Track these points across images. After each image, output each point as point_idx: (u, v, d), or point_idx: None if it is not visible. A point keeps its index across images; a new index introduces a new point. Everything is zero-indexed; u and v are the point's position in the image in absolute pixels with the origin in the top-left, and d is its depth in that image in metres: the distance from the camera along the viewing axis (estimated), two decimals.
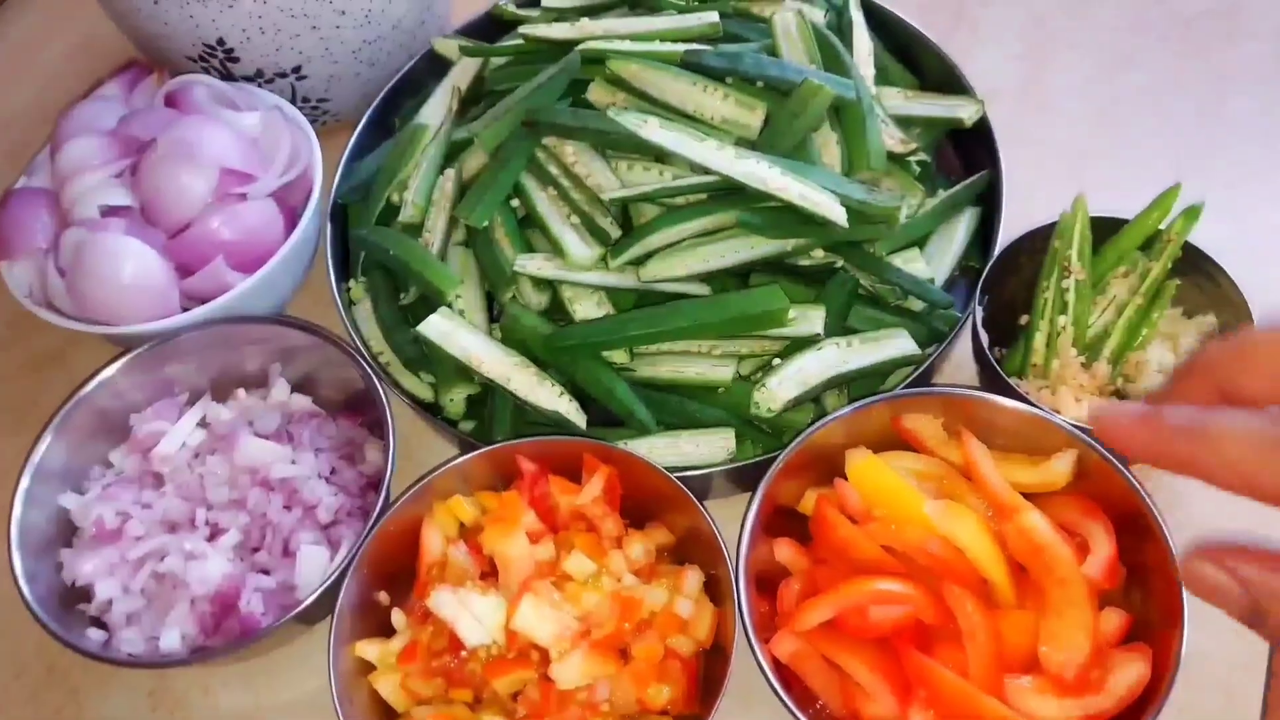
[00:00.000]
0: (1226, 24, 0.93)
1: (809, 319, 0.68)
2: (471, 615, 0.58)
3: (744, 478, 0.67)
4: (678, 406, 0.69)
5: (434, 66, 0.86)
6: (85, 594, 0.66)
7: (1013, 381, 0.65)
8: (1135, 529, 0.57)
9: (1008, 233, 0.71)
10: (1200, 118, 0.88)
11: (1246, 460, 0.34)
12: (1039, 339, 0.67)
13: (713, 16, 0.77)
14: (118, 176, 0.74)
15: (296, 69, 0.82)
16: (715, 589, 0.62)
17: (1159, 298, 0.67)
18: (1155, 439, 0.37)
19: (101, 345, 0.79)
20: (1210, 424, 0.35)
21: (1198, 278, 0.67)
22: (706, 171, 0.69)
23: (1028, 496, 0.59)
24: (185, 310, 0.72)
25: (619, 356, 0.69)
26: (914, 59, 0.84)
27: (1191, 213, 0.66)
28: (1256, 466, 0.34)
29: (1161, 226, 0.67)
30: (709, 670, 0.61)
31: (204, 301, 0.71)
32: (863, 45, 0.80)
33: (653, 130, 0.70)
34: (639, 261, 0.70)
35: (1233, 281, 0.65)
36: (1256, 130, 0.86)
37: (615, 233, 0.71)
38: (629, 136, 0.70)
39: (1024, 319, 0.71)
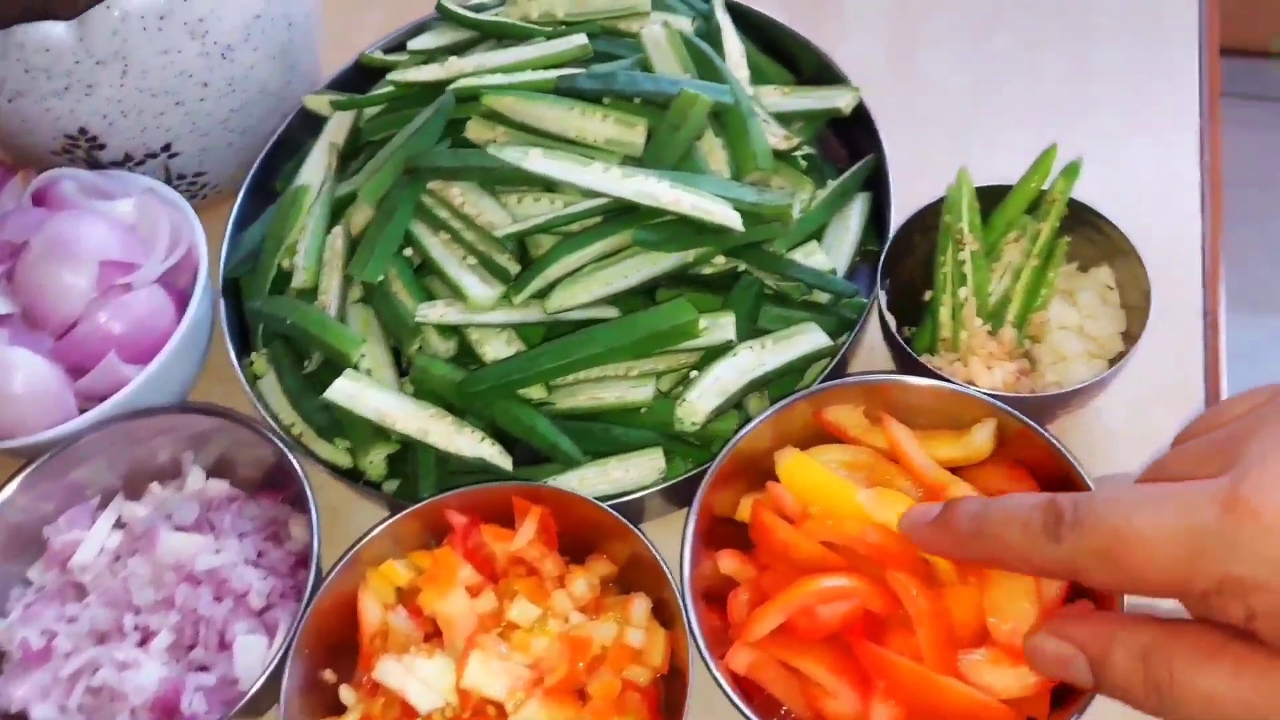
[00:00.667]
0: None
1: (720, 327, 0.68)
2: (420, 681, 0.56)
3: (679, 494, 0.67)
4: (603, 433, 0.69)
5: (308, 124, 0.84)
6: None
7: (924, 359, 0.66)
8: (1064, 488, 0.58)
9: (901, 213, 0.72)
10: (1069, 74, 0.90)
11: (1019, 547, 0.38)
12: (944, 313, 0.68)
13: (581, 39, 0.77)
14: None
15: (166, 147, 0.79)
16: (664, 612, 0.61)
17: (1052, 257, 0.69)
18: (952, 542, 0.42)
19: (2, 463, 0.76)
20: (985, 520, 0.40)
21: (1087, 232, 0.69)
22: (597, 195, 0.69)
23: (956, 471, 0.60)
24: (83, 412, 0.69)
25: (536, 392, 0.69)
26: (786, 55, 0.84)
27: (1071, 170, 0.68)
28: (1028, 553, 0.37)
29: (1045, 187, 0.69)
30: (669, 694, 0.60)
31: (101, 400, 0.69)
32: (734, 48, 0.80)
33: (536, 161, 0.69)
34: (542, 294, 0.69)
35: (1120, 232, 0.67)
36: (1124, 80, 0.89)
37: (514, 268, 0.70)
38: (513, 170, 0.70)
39: (927, 295, 0.72)
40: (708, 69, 0.76)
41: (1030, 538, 0.37)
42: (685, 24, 0.80)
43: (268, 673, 0.59)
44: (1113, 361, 0.66)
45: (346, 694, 0.60)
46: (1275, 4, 1.86)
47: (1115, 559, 0.34)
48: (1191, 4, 0.92)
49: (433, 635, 0.60)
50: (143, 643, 0.63)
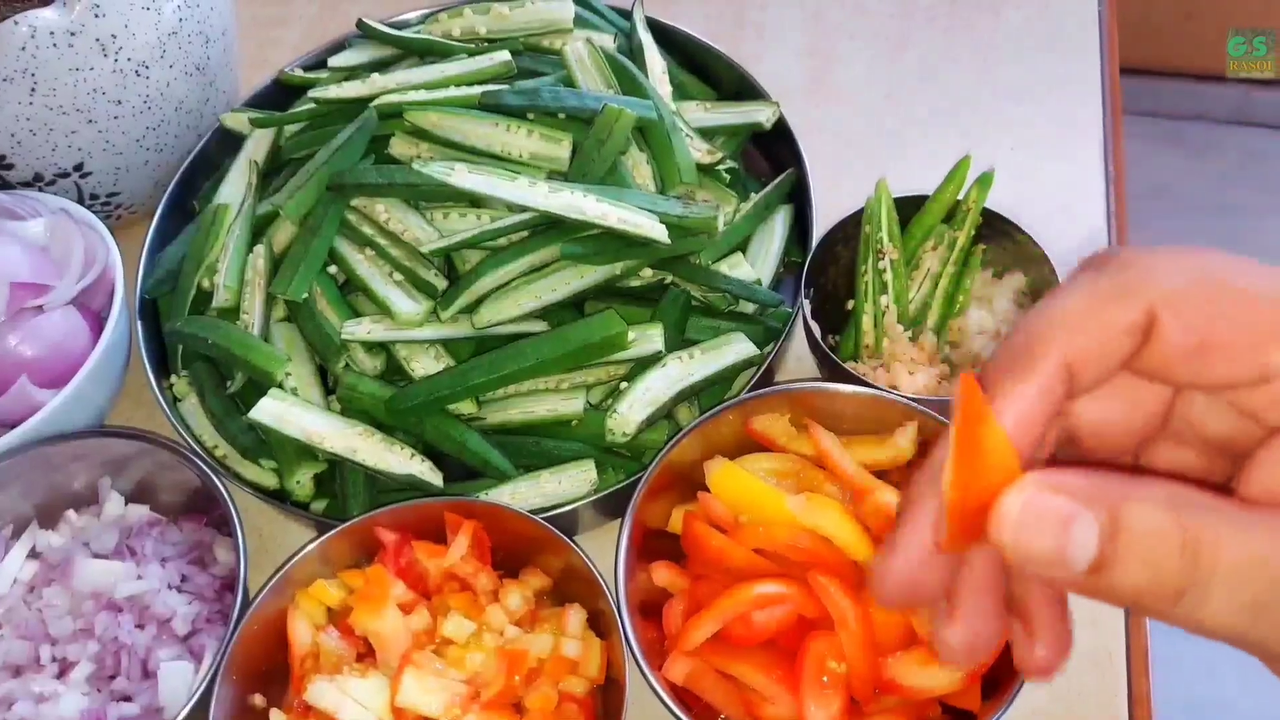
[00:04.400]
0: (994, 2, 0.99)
1: (649, 338, 0.68)
2: (353, 701, 0.56)
3: (612, 506, 0.67)
4: (534, 447, 0.69)
5: (227, 143, 0.83)
6: None
7: (848, 366, 0.67)
8: None
9: (822, 224, 0.73)
10: (979, 88, 0.93)
11: None
12: (866, 321, 0.70)
13: (504, 55, 0.77)
14: None
15: (79, 166, 0.77)
16: (600, 623, 0.61)
17: (968, 264, 0.71)
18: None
19: None
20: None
21: (1001, 240, 0.71)
22: (524, 209, 0.69)
23: (882, 475, 0.61)
24: None
25: (466, 407, 0.68)
26: (706, 71, 0.86)
27: (984, 180, 0.70)
28: None
29: (960, 197, 0.71)
30: (606, 704, 0.60)
31: (13, 426, 0.67)
32: (655, 65, 0.81)
33: (461, 176, 0.69)
34: (471, 309, 0.69)
35: (1031, 238, 0.69)
36: (1027, 93, 0.92)
37: (441, 284, 0.70)
38: (439, 186, 0.69)
39: (850, 304, 0.73)
40: (631, 85, 0.77)
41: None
42: (608, 41, 0.80)
43: (194, 700, 0.57)
44: None
45: (278, 718, 0.59)
46: (1170, 25, 1.95)
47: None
48: (1091, 23, 0.96)
49: (365, 655, 0.59)
50: (61, 674, 0.61)
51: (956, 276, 0.70)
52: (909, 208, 0.72)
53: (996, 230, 0.71)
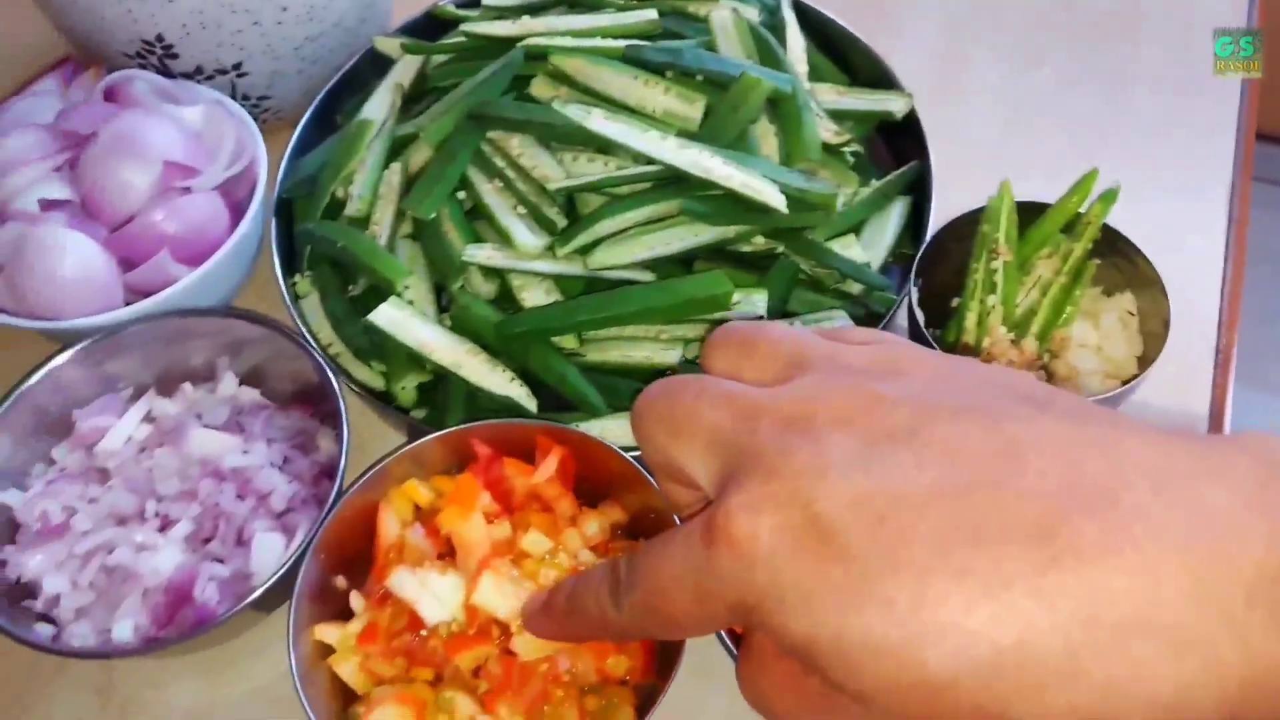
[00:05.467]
0: (1127, 24, 0.99)
1: (752, 302, 0.70)
2: (432, 594, 0.58)
3: None
4: (627, 389, 0.71)
5: (375, 65, 0.87)
6: (30, 591, 0.64)
7: None
8: None
9: (935, 222, 0.74)
10: (1106, 111, 0.93)
11: (597, 619, 0.35)
12: (970, 318, 0.71)
13: (652, 14, 0.79)
14: (56, 170, 0.73)
15: (237, 65, 0.81)
16: None
17: (1080, 277, 0.71)
18: (559, 627, 0.40)
19: (36, 347, 0.77)
20: (573, 596, 0.38)
21: (1116, 258, 0.72)
22: (650, 162, 0.71)
23: None
24: (128, 304, 0.71)
25: (568, 342, 0.71)
26: (843, 57, 0.87)
27: (1109, 196, 0.71)
28: (604, 624, 0.35)
29: (1081, 210, 0.71)
30: (666, 641, 0.62)
31: (147, 296, 0.71)
32: (796, 43, 0.83)
33: (597, 121, 0.71)
34: (586, 250, 0.72)
35: (1149, 261, 0.70)
36: (1156, 123, 0.92)
37: (562, 222, 0.72)
38: (574, 128, 0.72)
39: (955, 302, 0.74)
40: (770, 58, 0.78)
41: (601, 608, 0.35)
42: (752, 13, 0.82)
43: (282, 571, 0.60)
44: (1125, 383, 0.68)
45: (356, 600, 0.62)
46: None
47: (656, 613, 0.32)
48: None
49: (446, 555, 0.62)
50: (162, 529, 0.65)
51: (1067, 287, 0.71)
52: (1028, 214, 0.72)
53: (1113, 248, 0.71)
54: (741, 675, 0.33)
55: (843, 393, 0.30)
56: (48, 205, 0.72)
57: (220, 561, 0.64)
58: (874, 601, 0.26)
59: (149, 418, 0.71)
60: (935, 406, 0.29)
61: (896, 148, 0.85)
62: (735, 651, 0.58)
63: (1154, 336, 0.69)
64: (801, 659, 0.28)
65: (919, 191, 0.79)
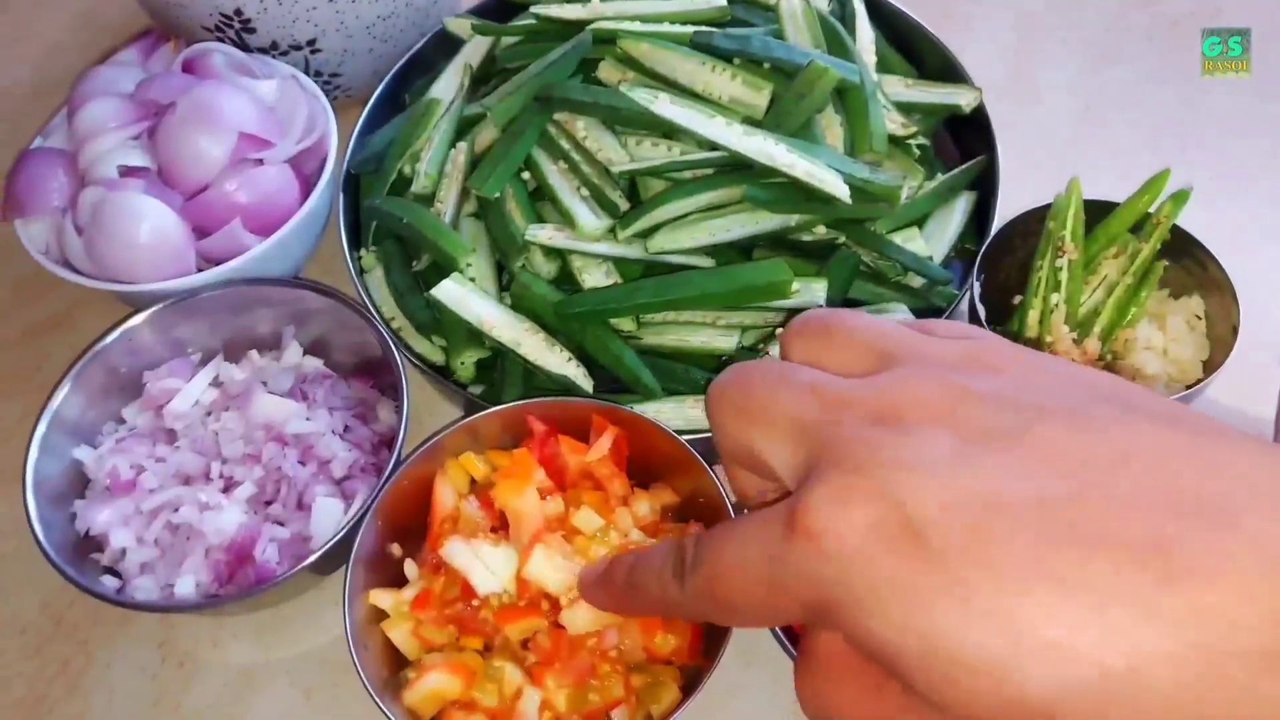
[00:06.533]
0: (1207, 25, 0.97)
1: (812, 291, 0.70)
2: (484, 565, 0.59)
3: None
4: (683, 374, 0.71)
5: (444, 45, 0.88)
6: (98, 545, 0.67)
7: None
8: None
9: (1000, 218, 0.73)
10: (1181, 112, 0.91)
11: (656, 596, 0.35)
12: (1032, 315, 0.70)
13: (721, 1, 0.79)
14: (135, 139, 0.75)
15: (311, 42, 0.83)
16: None
17: (1148, 278, 0.70)
18: (615, 598, 0.39)
19: (107, 310, 0.80)
20: (634, 570, 0.37)
21: (1185, 260, 0.70)
22: (714, 148, 0.72)
23: None
24: (200, 271, 0.73)
25: (626, 324, 0.71)
26: (912, 50, 0.86)
27: (1180, 197, 0.69)
28: (663, 602, 0.34)
29: (1151, 210, 0.70)
30: (712, 624, 0.62)
31: (218, 263, 0.73)
32: (864, 33, 0.82)
33: (664, 106, 0.72)
34: (646, 234, 0.72)
35: (1219, 264, 0.68)
36: (1233, 125, 0.90)
37: (624, 205, 0.73)
38: (640, 112, 0.72)
39: (1017, 299, 0.73)
40: (838, 47, 0.78)
41: (663, 585, 0.34)
42: (822, 3, 0.82)
43: (340, 535, 0.62)
44: (1189, 388, 0.67)
45: (411, 568, 0.63)
46: None
47: (720, 597, 0.31)
48: None
49: (499, 528, 0.63)
50: (226, 490, 0.67)
51: (1134, 288, 0.70)
52: (1095, 213, 0.71)
53: (1183, 250, 0.70)
54: (802, 678, 0.31)
55: (934, 388, 0.29)
56: (127, 172, 0.74)
57: (280, 524, 0.65)
58: (970, 610, 0.24)
59: (216, 382, 0.73)
60: (1031, 407, 0.28)
61: (963, 142, 0.84)
62: (785, 640, 0.58)
63: (1221, 342, 0.68)
64: (882, 665, 0.27)
65: (985, 186, 0.78)
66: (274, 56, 0.84)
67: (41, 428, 0.67)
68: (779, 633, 0.57)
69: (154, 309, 0.71)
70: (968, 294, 0.70)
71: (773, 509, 0.29)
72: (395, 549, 0.65)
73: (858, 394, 0.30)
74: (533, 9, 0.83)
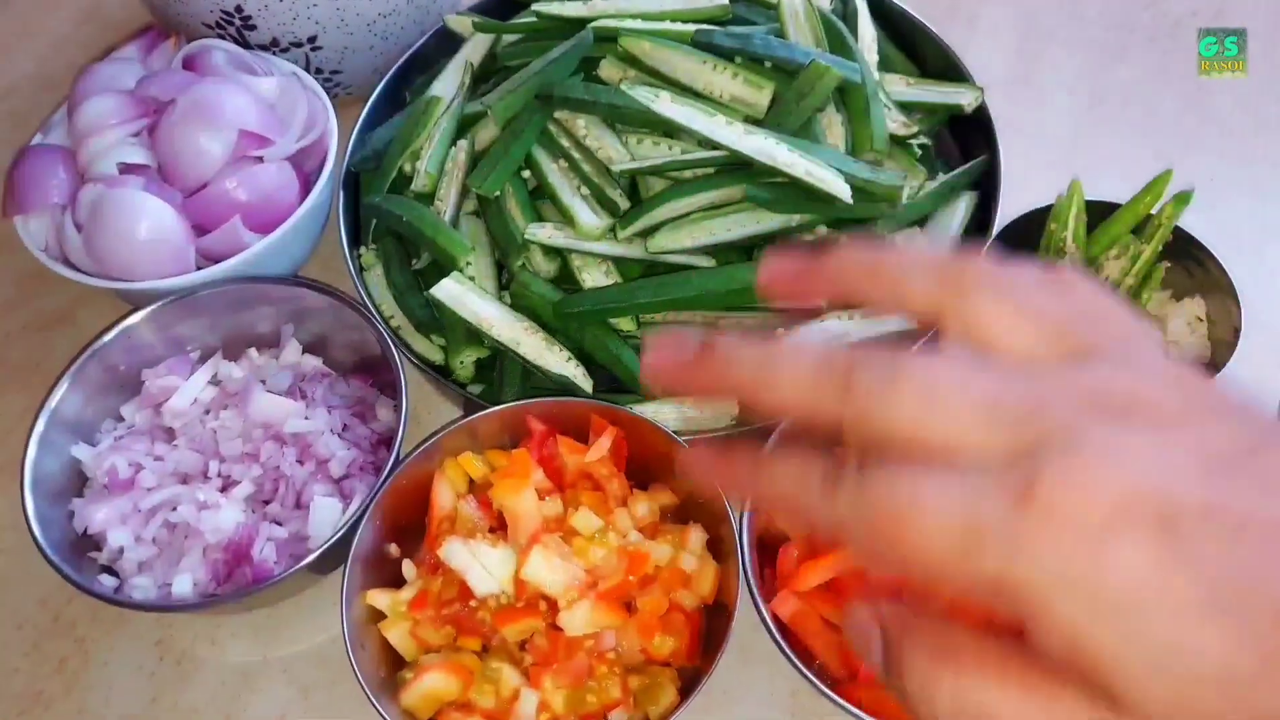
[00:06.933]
0: (1213, 25, 0.96)
1: None
2: (481, 565, 0.59)
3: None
4: None
5: (445, 43, 0.87)
6: (95, 544, 0.66)
7: None
8: None
9: (1001, 218, 0.73)
10: (1184, 113, 0.91)
11: (792, 492, 0.30)
12: None
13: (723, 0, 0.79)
14: (135, 136, 0.75)
15: (312, 39, 0.83)
16: (717, 549, 0.63)
17: (1149, 280, 0.70)
18: (729, 477, 0.33)
19: (108, 306, 0.80)
20: (770, 459, 0.31)
21: (1186, 262, 0.70)
22: (715, 147, 0.71)
23: None
24: (200, 269, 0.73)
25: (626, 324, 0.71)
26: (914, 49, 0.86)
27: (1182, 198, 0.69)
28: (797, 501, 0.30)
29: (1153, 211, 0.70)
30: (711, 626, 0.62)
31: (218, 261, 0.72)
32: (866, 32, 0.82)
33: (665, 104, 0.71)
34: (647, 233, 0.72)
35: (1221, 266, 0.68)
36: (1236, 125, 0.90)
37: (624, 204, 0.73)
38: (641, 111, 0.72)
39: None
40: (839, 46, 0.78)
41: (812, 485, 0.30)
42: (824, 1, 0.82)
43: (338, 535, 0.62)
44: None
45: (409, 568, 0.63)
46: None
47: (889, 535, 0.28)
48: None
49: (497, 529, 0.63)
50: (223, 489, 0.66)
51: (1135, 290, 0.69)
52: (1097, 213, 0.71)
53: (1184, 252, 0.70)
54: (919, 665, 0.28)
55: (1162, 391, 0.27)
56: (126, 169, 0.74)
57: (278, 523, 0.65)
58: (1219, 628, 0.23)
59: (215, 380, 0.73)
60: (1258, 431, 0.27)
61: (965, 141, 0.83)
62: (783, 643, 0.58)
63: (1223, 344, 0.68)
64: (1080, 667, 0.25)
65: (986, 187, 0.78)
66: (275, 53, 0.83)
67: (40, 425, 0.67)
68: (776, 635, 0.57)
69: (153, 307, 0.71)
70: None
71: (987, 472, 0.26)
72: (393, 549, 0.64)
73: (1077, 380, 0.28)
74: (534, 6, 0.82)
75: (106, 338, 0.70)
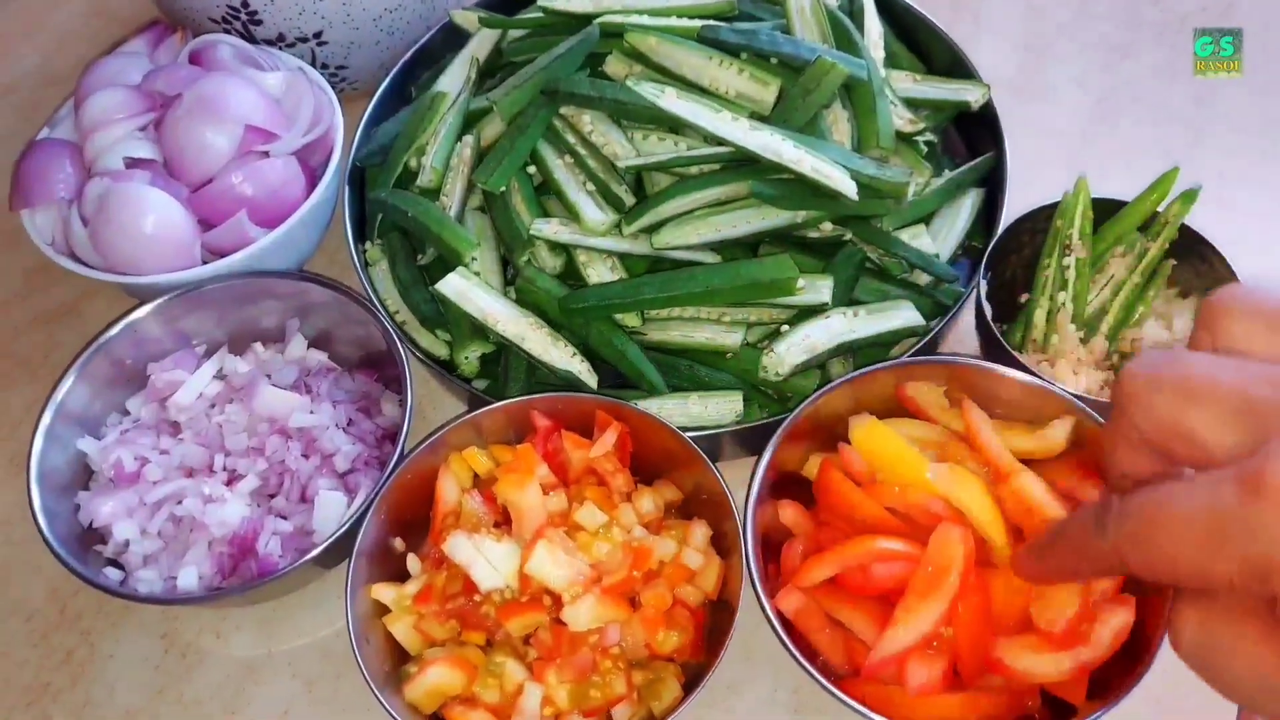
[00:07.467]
0: (1221, 22, 0.96)
1: (817, 288, 0.70)
2: (486, 560, 0.59)
3: (749, 441, 0.69)
4: (687, 370, 0.71)
5: (450, 39, 0.87)
6: (101, 537, 0.67)
7: (1013, 354, 0.67)
8: None
9: (1007, 215, 0.73)
10: (1191, 111, 0.91)
11: (1077, 546, 0.39)
12: (1039, 314, 0.70)
13: None
14: (142, 130, 0.75)
15: (318, 34, 0.83)
16: (721, 544, 0.63)
17: (1155, 277, 0.70)
18: (1039, 559, 0.43)
19: (115, 300, 0.80)
20: (1059, 533, 0.41)
21: (1192, 260, 0.70)
22: (720, 143, 0.71)
23: (1030, 463, 0.61)
24: (205, 264, 0.73)
25: (631, 320, 0.71)
26: (921, 45, 0.86)
27: (1189, 196, 0.69)
28: (1084, 550, 0.38)
29: (1159, 209, 0.70)
30: (714, 622, 0.62)
31: (223, 255, 0.73)
32: (873, 28, 0.82)
33: (670, 100, 0.71)
34: (652, 229, 0.72)
35: (1227, 264, 0.68)
36: (1245, 123, 0.89)
37: (629, 200, 0.73)
38: (646, 106, 0.72)
39: (1024, 297, 0.73)
40: (846, 42, 0.77)
41: (1085, 535, 0.37)
42: None
43: (343, 529, 0.62)
44: None
45: (413, 563, 0.63)
46: None
47: (1146, 544, 0.33)
48: None
49: (502, 523, 0.63)
50: (229, 483, 0.67)
51: (1140, 287, 0.69)
52: (1103, 211, 0.71)
53: (1191, 249, 0.70)
54: (1191, 620, 0.34)
55: None
56: (132, 163, 0.74)
57: (283, 517, 0.65)
58: None
59: (220, 375, 0.73)
60: None
61: (971, 138, 0.83)
62: (787, 639, 0.58)
63: None
64: None
65: (992, 183, 0.77)
66: (280, 48, 0.83)
67: (46, 419, 0.67)
68: (780, 631, 0.57)
69: (159, 301, 0.71)
70: (974, 292, 0.70)
71: (1219, 472, 0.31)
72: (398, 543, 0.65)
73: None
74: (540, 2, 0.82)
75: (112, 332, 0.70)
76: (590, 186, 0.74)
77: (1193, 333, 0.37)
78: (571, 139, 0.75)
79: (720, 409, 0.69)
